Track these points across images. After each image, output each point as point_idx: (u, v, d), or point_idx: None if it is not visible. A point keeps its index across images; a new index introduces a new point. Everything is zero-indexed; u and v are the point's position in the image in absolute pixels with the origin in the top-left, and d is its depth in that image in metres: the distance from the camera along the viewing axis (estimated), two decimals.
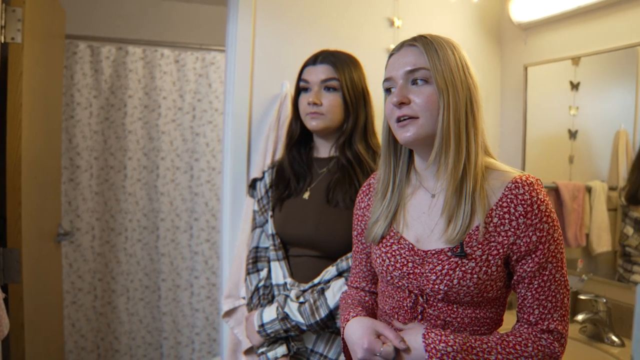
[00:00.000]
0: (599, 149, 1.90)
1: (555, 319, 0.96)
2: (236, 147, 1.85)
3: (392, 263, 1.03)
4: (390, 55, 1.04)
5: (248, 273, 1.53)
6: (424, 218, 1.04)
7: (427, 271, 0.98)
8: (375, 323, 1.02)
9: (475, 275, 0.95)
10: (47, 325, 2.26)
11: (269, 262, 1.51)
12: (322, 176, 1.46)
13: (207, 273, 2.98)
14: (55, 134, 2.41)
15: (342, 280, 1.34)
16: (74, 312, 2.74)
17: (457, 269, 0.95)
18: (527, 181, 0.96)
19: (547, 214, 0.95)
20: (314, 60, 1.45)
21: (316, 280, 1.38)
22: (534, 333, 0.96)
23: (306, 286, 1.39)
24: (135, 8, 3.04)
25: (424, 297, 1.00)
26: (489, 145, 1.05)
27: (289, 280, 1.43)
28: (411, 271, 1.01)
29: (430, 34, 1.03)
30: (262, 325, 1.39)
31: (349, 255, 1.34)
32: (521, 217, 0.95)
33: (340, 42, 1.90)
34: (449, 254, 0.97)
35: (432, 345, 0.92)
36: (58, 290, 2.48)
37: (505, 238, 0.96)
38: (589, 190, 1.89)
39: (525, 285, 0.97)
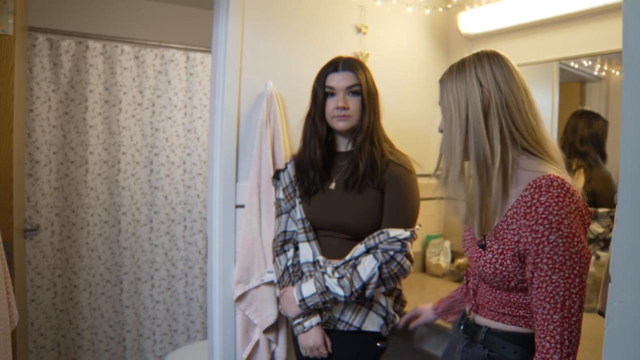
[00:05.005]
0: None
1: (555, 320, 0.94)
2: (226, 144, 1.95)
3: (465, 248, 1.23)
4: None
5: (277, 255, 1.72)
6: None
7: (474, 257, 1.16)
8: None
9: (492, 265, 1.06)
10: None
11: (295, 243, 1.70)
12: (344, 168, 1.65)
13: (167, 265, 3.03)
14: (21, 127, 2.35)
15: (370, 256, 1.53)
16: (32, 310, 2.66)
17: (480, 258, 1.10)
18: (538, 183, 0.98)
19: (543, 216, 0.94)
20: (336, 67, 1.63)
21: (347, 257, 1.58)
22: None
23: (339, 262, 1.58)
24: (95, 3, 3.00)
25: (476, 278, 1.18)
26: (535, 145, 1.08)
27: (320, 258, 1.62)
28: (470, 256, 1.19)
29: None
30: (302, 300, 1.56)
31: (374, 234, 1.55)
32: (522, 218, 0.99)
33: (315, 45, 2.14)
34: (477, 245, 1.13)
35: None
36: (22, 288, 2.42)
37: (512, 236, 1.02)
38: None
39: (530, 283, 0.99)
